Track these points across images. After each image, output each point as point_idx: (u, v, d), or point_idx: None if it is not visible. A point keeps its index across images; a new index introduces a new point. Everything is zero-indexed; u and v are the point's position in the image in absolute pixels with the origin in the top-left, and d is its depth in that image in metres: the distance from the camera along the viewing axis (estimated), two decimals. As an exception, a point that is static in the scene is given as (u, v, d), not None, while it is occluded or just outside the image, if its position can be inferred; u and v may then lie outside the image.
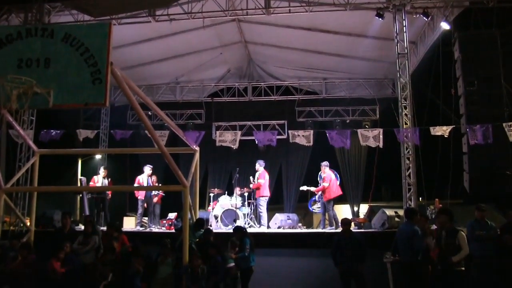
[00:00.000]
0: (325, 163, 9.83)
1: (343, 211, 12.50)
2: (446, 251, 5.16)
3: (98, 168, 10.64)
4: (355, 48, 11.27)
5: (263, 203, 10.06)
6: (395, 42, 9.44)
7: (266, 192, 10.13)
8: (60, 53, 4.51)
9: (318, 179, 10.25)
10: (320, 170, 10.28)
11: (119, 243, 6.52)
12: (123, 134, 11.39)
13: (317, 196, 10.16)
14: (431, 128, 9.18)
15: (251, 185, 10.32)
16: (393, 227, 8.27)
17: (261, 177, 10.15)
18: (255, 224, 10.14)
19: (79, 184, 11.88)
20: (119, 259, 6.08)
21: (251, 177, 10.48)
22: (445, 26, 9.09)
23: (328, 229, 9.15)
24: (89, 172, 11.53)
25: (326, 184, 9.53)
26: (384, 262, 6.22)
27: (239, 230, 6.79)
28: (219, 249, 6.21)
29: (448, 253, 5.13)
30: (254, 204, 10.36)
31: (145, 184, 9.94)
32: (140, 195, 10.11)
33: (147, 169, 10.11)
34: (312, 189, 9.90)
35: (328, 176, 9.62)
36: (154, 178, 10.36)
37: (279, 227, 10.08)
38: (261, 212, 10.03)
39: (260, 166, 10.29)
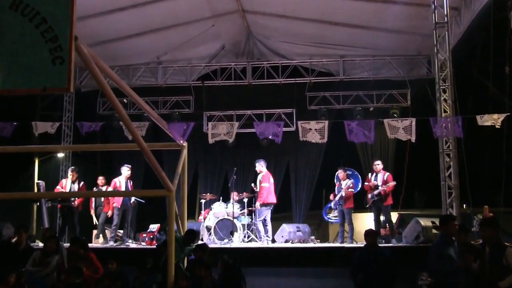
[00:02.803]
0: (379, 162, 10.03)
1: (366, 221, 12.46)
2: (490, 272, 5.05)
3: (62, 170, 10.59)
4: (380, 18, 11.14)
5: (266, 211, 10.03)
6: (431, 9, 9.37)
7: (271, 198, 10.10)
8: (8, 24, 4.38)
9: (335, 180, 10.23)
10: (337, 170, 10.27)
11: (87, 264, 6.50)
12: (91, 126, 11.36)
13: (333, 203, 10.19)
14: (478, 117, 9.17)
15: (255, 189, 10.29)
16: (430, 240, 8.24)
17: (265, 180, 10.08)
18: (256, 237, 10.11)
19: (36, 190, 11.84)
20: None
21: (252, 184, 10.50)
22: (498, -15, 8.98)
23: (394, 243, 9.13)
24: (49, 175, 11.49)
25: (393, 183, 9.55)
26: (419, 284, 6.18)
27: (227, 264, 6.63)
28: (210, 273, 6.22)
29: (493, 276, 5.01)
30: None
31: (123, 189, 9.91)
32: (116, 202, 10.06)
33: (125, 170, 10.04)
34: (383, 187, 9.52)
35: (391, 175, 9.74)
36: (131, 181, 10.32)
37: (286, 241, 10.11)
38: (257, 224, 9.98)
39: (262, 167, 10.27)
